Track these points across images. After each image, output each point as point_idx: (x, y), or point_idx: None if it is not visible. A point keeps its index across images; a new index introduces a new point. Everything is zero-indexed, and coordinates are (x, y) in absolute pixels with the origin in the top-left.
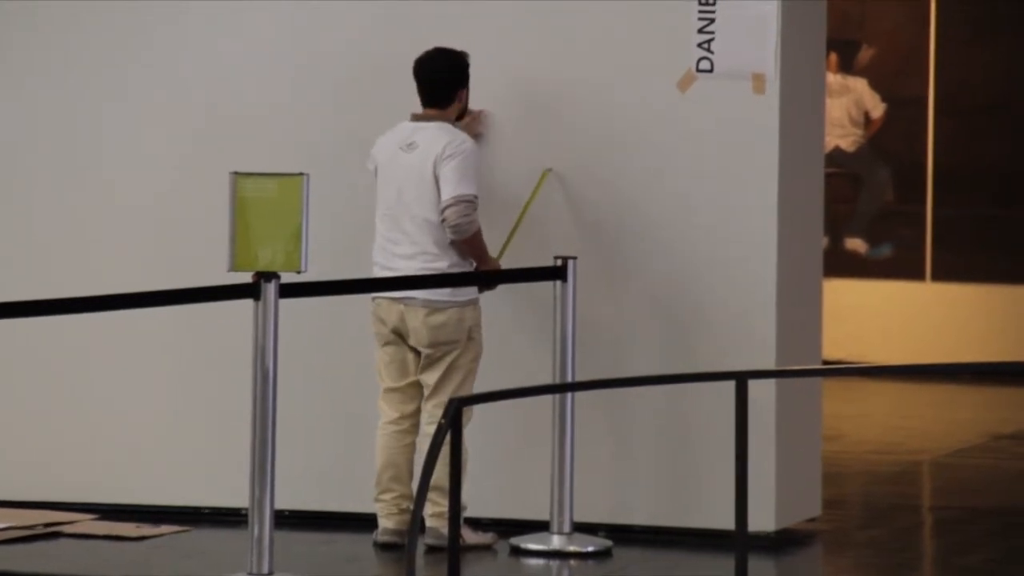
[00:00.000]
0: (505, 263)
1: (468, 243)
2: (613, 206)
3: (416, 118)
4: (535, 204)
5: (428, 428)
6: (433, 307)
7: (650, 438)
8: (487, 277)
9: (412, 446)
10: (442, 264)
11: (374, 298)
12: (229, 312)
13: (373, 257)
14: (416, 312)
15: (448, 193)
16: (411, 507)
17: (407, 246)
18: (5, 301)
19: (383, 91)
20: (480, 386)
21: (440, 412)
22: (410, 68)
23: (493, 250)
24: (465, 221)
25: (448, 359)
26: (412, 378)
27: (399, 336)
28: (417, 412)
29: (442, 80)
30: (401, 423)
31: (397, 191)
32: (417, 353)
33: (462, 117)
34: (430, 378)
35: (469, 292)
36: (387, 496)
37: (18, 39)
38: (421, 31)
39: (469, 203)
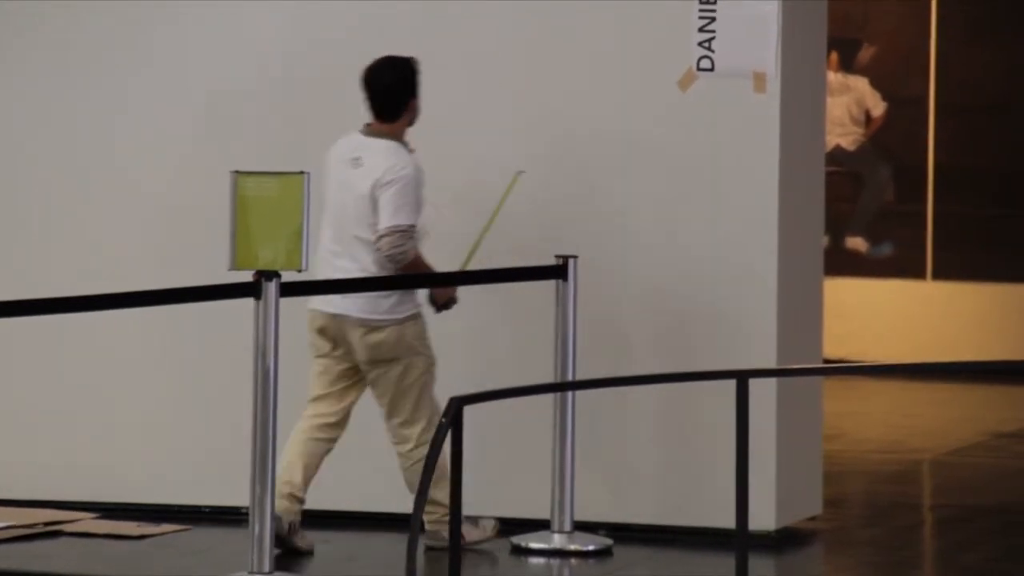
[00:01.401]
0: (484, 264)
1: (407, 271)
2: (614, 205)
3: (367, 131)
4: (509, 205)
5: (399, 448)
6: (370, 325)
7: (651, 437)
8: (477, 277)
9: (323, 443)
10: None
11: (310, 309)
12: (230, 311)
13: (317, 263)
14: (354, 330)
15: (384, 222)
16: (295, 495)
17: (347, 261)
18: (4, 300)
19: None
20: (481, 385)
21: (404, 433)
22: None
23: (459, 259)
24: (398, 252)
25: (393, 376)
26: (343, 384)
27: (337, 347)
28: (340, 413)
29: (391, 93)
30: (316, 419)
31: (342, 203)
32: (356, 366)
33: (413, 123)
34: (382, 398)
35: (410, 307)
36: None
37: (17, 39)
38: (420, 29)
39: (403, 233)
